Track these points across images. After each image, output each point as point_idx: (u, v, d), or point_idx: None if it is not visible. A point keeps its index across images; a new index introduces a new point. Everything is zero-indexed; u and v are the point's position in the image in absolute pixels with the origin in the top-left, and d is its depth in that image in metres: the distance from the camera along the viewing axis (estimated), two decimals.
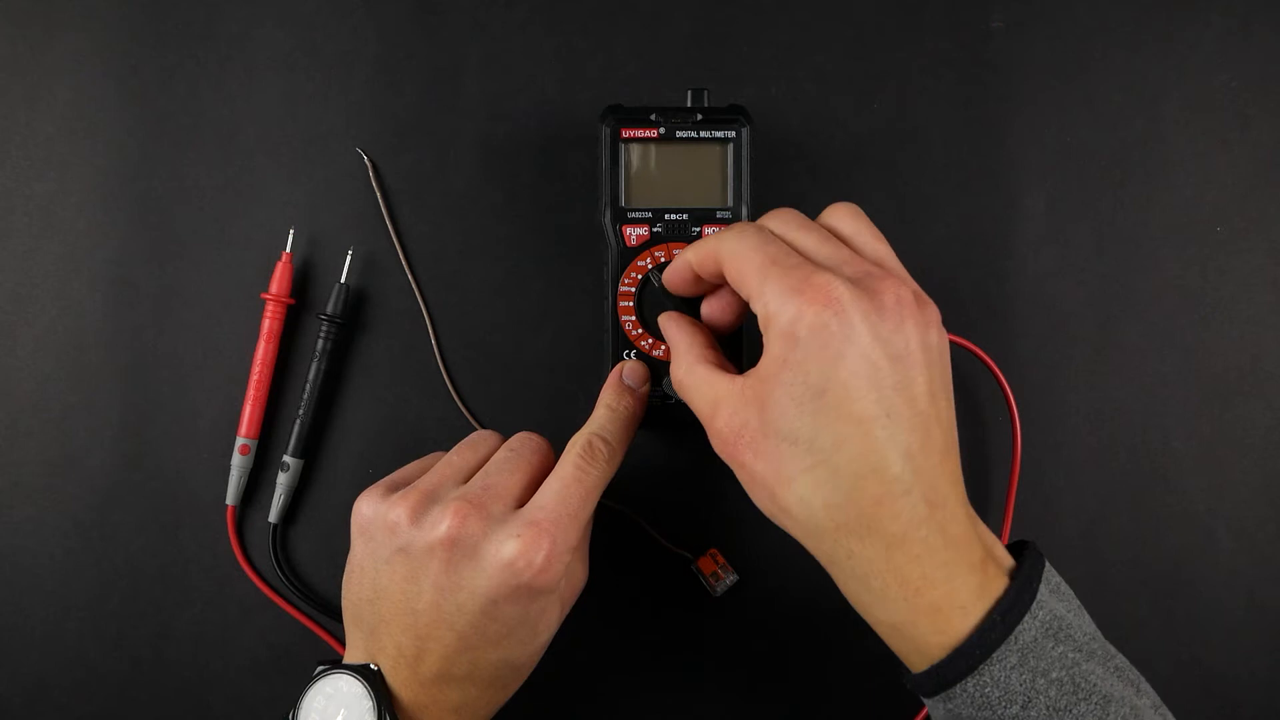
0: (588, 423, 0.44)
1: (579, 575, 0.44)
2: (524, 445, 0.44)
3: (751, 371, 0.38)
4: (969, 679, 0.36)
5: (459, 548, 0.40)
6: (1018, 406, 0.50)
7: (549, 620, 0.42)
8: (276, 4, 0.53)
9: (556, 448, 0.44)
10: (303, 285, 0.52)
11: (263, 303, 0.51)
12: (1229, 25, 0.53)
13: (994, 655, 0.36)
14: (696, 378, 0.41)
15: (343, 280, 0.51)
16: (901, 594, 0.37)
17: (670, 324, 0.44)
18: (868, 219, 0.42)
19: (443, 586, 0.40)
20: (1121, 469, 0.52)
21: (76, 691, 0.51)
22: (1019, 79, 0.53)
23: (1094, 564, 0.52)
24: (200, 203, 0.52)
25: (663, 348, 0.48)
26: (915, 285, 0.39)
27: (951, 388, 0.39)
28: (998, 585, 0.37)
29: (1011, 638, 0.36)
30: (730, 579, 0.51)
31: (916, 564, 0.36)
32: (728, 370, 0.41)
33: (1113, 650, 0.40)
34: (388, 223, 0.52)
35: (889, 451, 0.36)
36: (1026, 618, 0.37)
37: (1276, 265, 0.53)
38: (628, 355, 0.48)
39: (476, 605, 0.40)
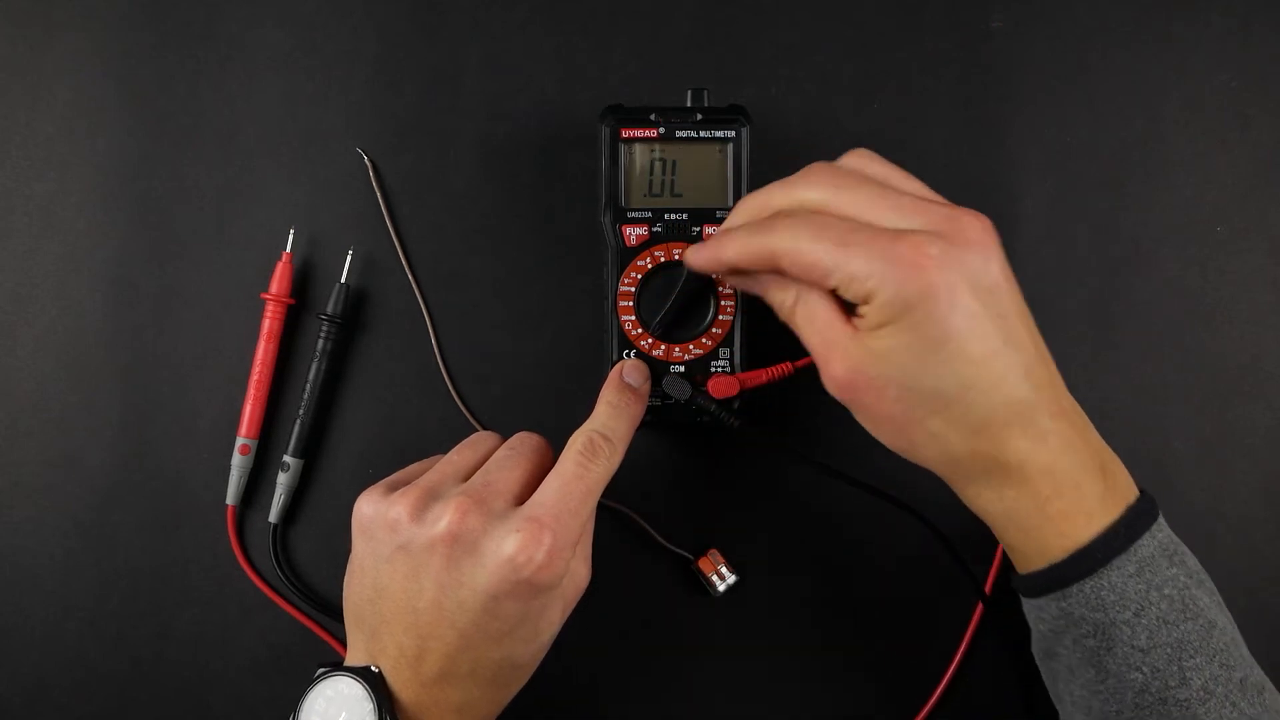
0: (588, 420, 0.44)
1: (581, 575, 0.44)
2: (524, 444, 0.44)
3: (865, 328, 0.38)
4: (1087, 580, 0.39)
5: (460, 544, 0.40)
6: None
7: (551, 618, 0.42)
8: (276, 4, 0.53)
9: (556, 448, 0.44)
10: (303, 285, 0.52)
11: (263, 303, 0.51)
12: (1229, 25, 0.53)
13: (1114, 562, 0.39)
14: (814, 309, 0.40)
15: (343, 280, 0.51)
16: (1033, 503, 0.39)
17: (736, 249, 0.41)
18: (873, 154, 0.42)
19: (444, 583, 0.40)
20: None
21: (76, 691, 0.51)
22: (1019, 79, 0.53)
23: None
24: (200, 203, 0.52)
25: (663, 347, 0.48)
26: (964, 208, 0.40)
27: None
28: (1120, 498, 0.40)
29: (1132, 549, 0.39)
30: (730, 579, 0.51)
31: (1047, 476, 0.38)
32: (838, 309, 0.39)
33: (1215, 589, 0.42)
34: (388, 223, 0.52)
35: (1011, 377, 0.37)
36: (1146, 535, 0.39)
37: (1276, 265, 0.53)
38: (628, 355, 0.48)
39: (478, 602, 0.39)
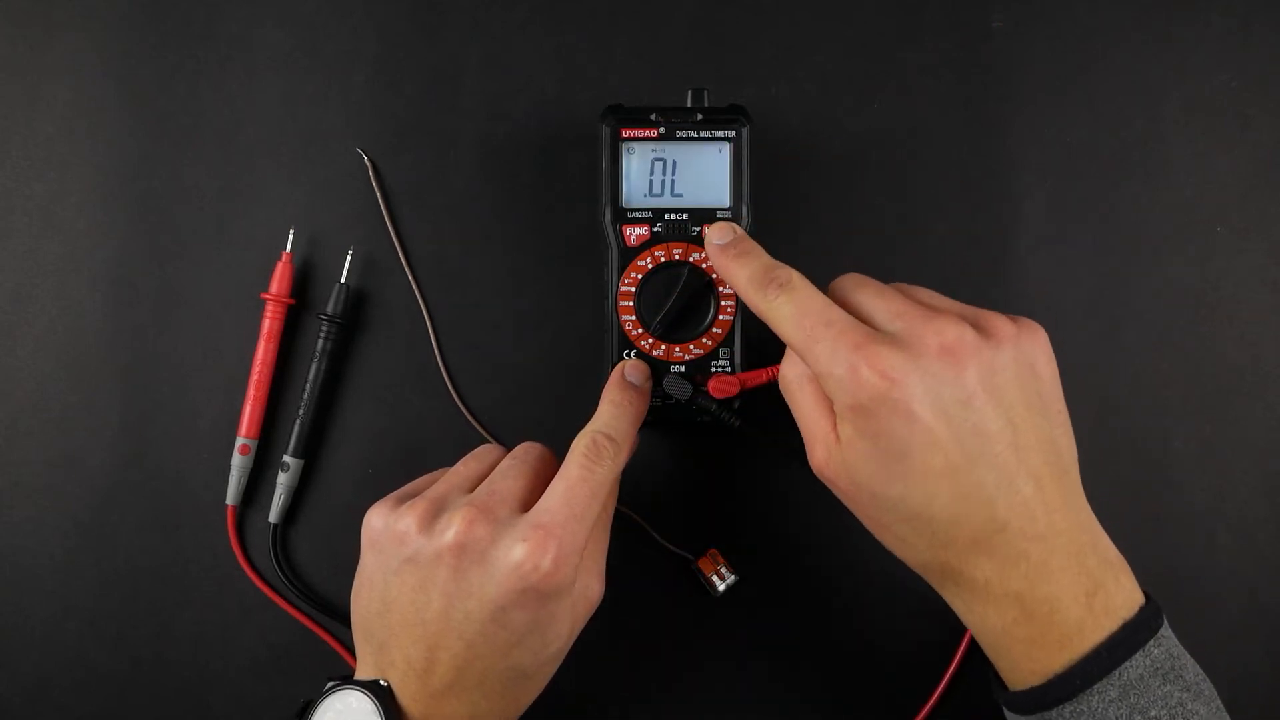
0: (591, 421, 0.43)
1: (594, 590, 0.43)
2: (528, 453, 0.44)
3: (839, 424, 0.39)
4: (1066, 704, 0.37)
5: (467, 553, 0.39)
6: None
7: (559, 629, 0.42)
8: (276, 4, 0.53)
9: (560, 450, 0.43)
10: (303, 285, 0.52)
11: (263, 303, 0.51)
12: (1229, 25, 0.53)
13: (1094, 687, 0.37)
14: (805, 396, 0.41)
15: (343, 280, 0.51)
16: (1001, 625, 0.38)
17: (798, 299, 0.41)
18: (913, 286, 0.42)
19: (451, 594, 0.40)
20: (1121, 469, 0.52)
21: (76, 691, 0.51)
22: (1019, 79, 0.53)
23: None
24: (200, 203, 0.52)
25: (663, 347, 0.48)
26: (979, 312, 0.39)
27: (1050, 398, 0.39)
28: (1110, 617, 0.37)
29: (1115, 673, 0.37)
30: (730, 579, 0.51)
31: (1014, 600, 0.37)
32: (827, 407, 0.40)
33: (1215, 694, 0.40)
34: (388, 223, 0.52)
35: (977, 497, 0.36)
36: (1138, 654, 0.37)
37: (1276, 265, 0.53)
38: (628, 355, 0.48)
39: (485, 612, 0.39)
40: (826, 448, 0.39)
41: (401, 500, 0.42)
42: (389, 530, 0.41)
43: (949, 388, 0.36)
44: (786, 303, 0.40)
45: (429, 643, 0.40)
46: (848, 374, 0.37)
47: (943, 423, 0.36)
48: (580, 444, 0.42)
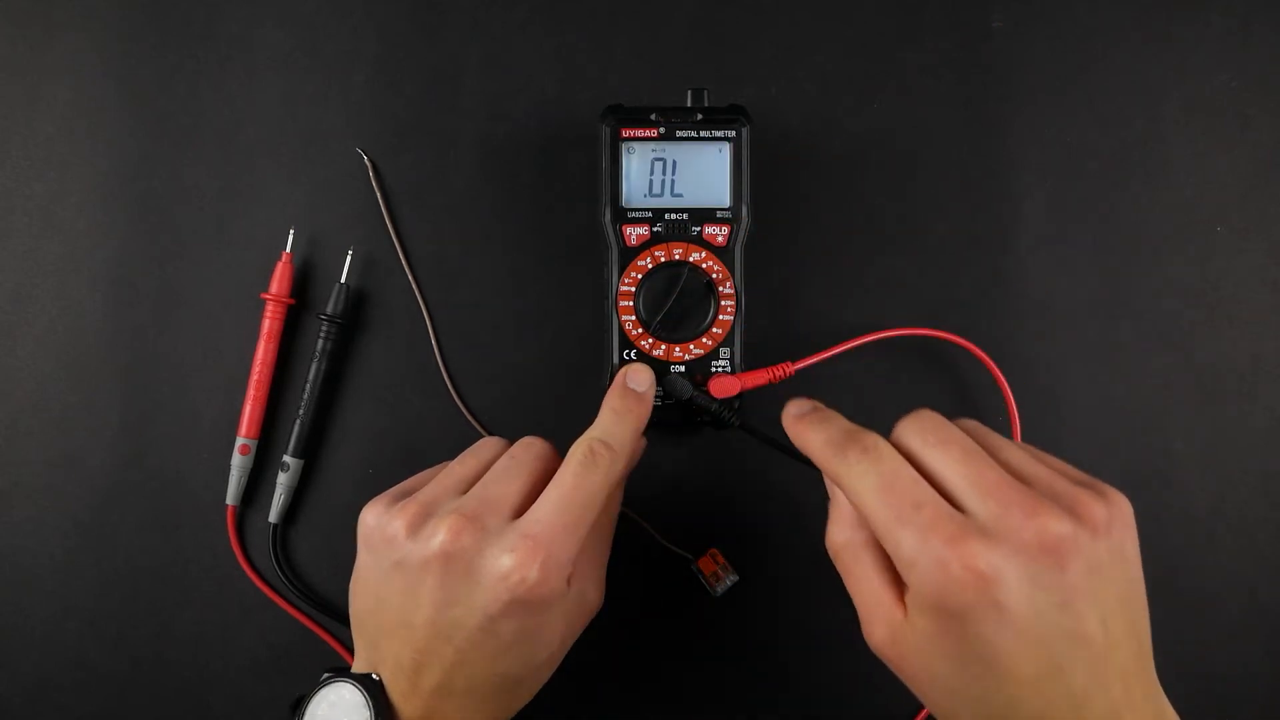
0: (590, 427, 0.43)
1: (591, 597, 0.43)
2: (526, 452, 0.43)
3: (910, 609, 0.36)
4: None
5: (453, 563, 0.39)
6: (1018, 406, 0.50)
7: (550, 637, 0.41)
8: (276, 4, 0.53)
9: (562, 449, 0.43)
10: (303, 285, 0.52)
11: (263, 303, 0.51)
12: (1229, 25, 0.53)
13: None
14: (860, 566, 0.38)
15: (343, 280, 0.51)
16: None
17: (826, 452, 0.39)
18: (984, 426, 0.39)
19: (439, 602, 0.39)
20: (1121, 469, 0.52)
21: (76, 691, 0.51)
22: (1019, 79, 0.53)
23: None
24: (200, 203, 0.52)
25: (663, 347, 0.48)
26: (1066, 487, 0.36)
27: (1138, 585, 0.36)
28: None
29: None
30: (730, 579, 0.51)
31: None
32: (895, 578, 0.37)
33: None
34: (388, 223, 0.52)
35: (1067, 699, 0.34)
36: None
37: (1276, 265, 0.53)
38: (628, 355, 0.48)
39: (473, 621, 0.39)
40: (891, 628, 0.36)
41: (397, 498, 0.42)
42: (380, 531, 0.41)
43: (1047, 592, 0.33)
44: (870, 471, 0.36)
45: (417, 646, 0.40)
46: (936, 569, 0.33)
47: (1038, 628, 0.33)
48: (577, 451, 0.41)
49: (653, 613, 0.52)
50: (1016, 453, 0.38)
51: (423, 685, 0.40)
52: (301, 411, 0.51)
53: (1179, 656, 0.52)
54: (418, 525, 0.40)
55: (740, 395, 0.48)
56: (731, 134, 0.48)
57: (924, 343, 0.52)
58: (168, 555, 0.52)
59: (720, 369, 0.48)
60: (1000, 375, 0.50)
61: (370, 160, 0.52)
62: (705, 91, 0.49)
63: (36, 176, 0.52)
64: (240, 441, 0.51)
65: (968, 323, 0.52)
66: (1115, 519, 0.35)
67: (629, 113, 0.48)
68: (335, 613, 0.51)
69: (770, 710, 0.51)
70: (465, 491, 0.42)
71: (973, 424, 0.40)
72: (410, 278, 0.52)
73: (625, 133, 0.48)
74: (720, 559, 0.51)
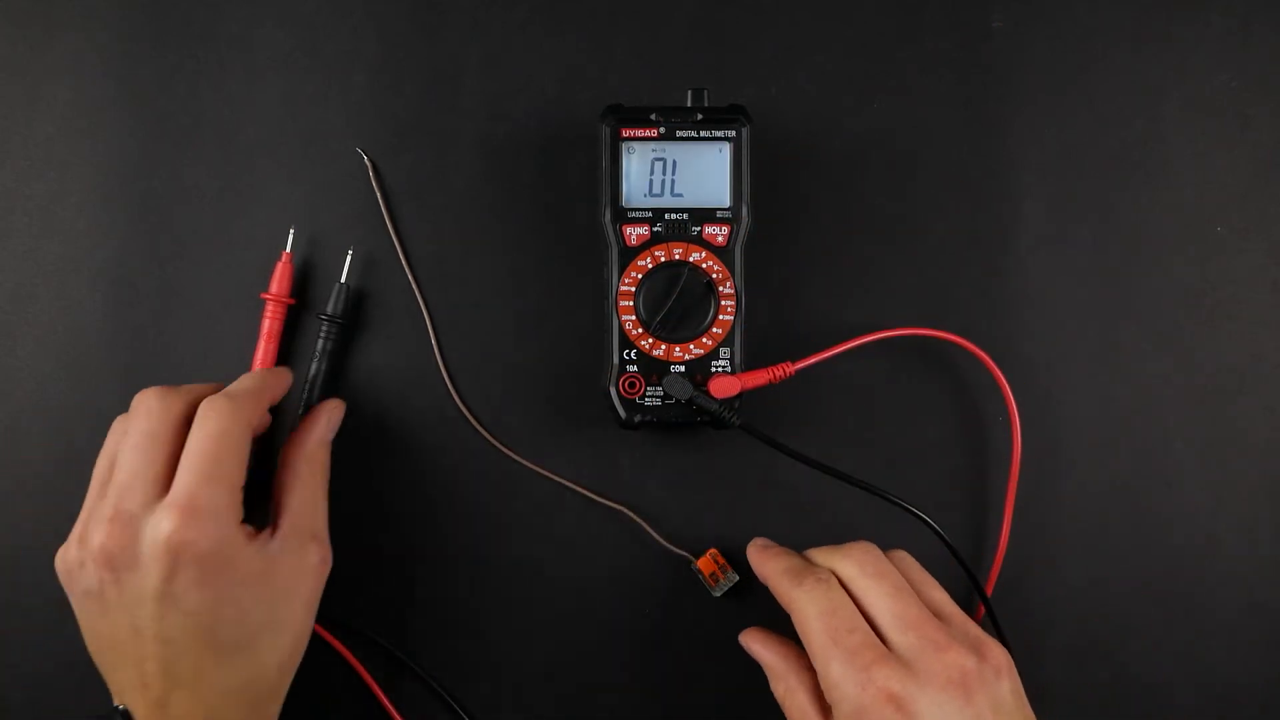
0: None
1: (312, 554, 0.44)
2: (143, 422, 0.43)
3: None
4: None
5: (117, 562, 0.40)
6: (1018, 406, 0.50)
7: (257, 597, 0.42)
8: (276, 4, 0.53)
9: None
10: (303, 285, 0.52)
11: (263, 303, 0.51)
12: (1229, 25, 0.53)
13: None
14: (797, 704, 0.43)
15: (343, 280, 0.51)
16: None
17: (759, 646, 0.46)
18: (913, 561, 0.46)
19: (125, 603, 0.40)
20: (1121, 469, 0.52)
21: (76, 691, 0.51)
22: (1019, 79, 0.53)
23: (1094, 564, 0.52)
24: (200, 203, 0.52)
25: (663, 347, 0.48)
26: (976, 633, 0.42)
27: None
28: None
29: None
30: (730, 579, 0.51)
31: None
32: (823, 706, 0.42)
33: None
34: (388, 223, 0.52)
35: None
36: None
37: (1276, 265, 0.53)
38: (628, 355, 0.48)
39: (149, 596, 0.40)
40: None
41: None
42: (62, 571, 0.42)
43: (957, 716, 0.38)
44: (821, 596, 0.42)
45: (133, 659, 0.40)
46: (857, 689, 0.39)
47: None
48: (200, 408, 0.43)
49: (652, 613, 0.52)
50: (938, 592, 0.44)
51: (155, 695, 0.40)
52: (300, 411, 0.51)
53: (1179, 656, 0.52)
54: (80, 547, 0.41)
55: (740, 395, 0.48)
56: (731, 134, 0.48)
57: (924, 343, 0.52)
58: None
59: (720, 369, 0.48)
60: (1000, 375, 0.50)
61: (370, 160, 0.52)
62: (705, 91, 0.49)
63: (36, 176, 0.52)
64: None
65: (968, 323, 0.52)
66: (1010, 665, 0.41)
67: (629, 113, 0.48)
68: (332, 614, 0.51)
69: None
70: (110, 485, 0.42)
71: (902, 555, 0.46)
72: (410, 278, 0.52)
73: (625, 133, 0.48)
74: (720, 559, 0.51)
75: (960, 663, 0.39)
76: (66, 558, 0.42)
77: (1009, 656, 0.41)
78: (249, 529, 0.43)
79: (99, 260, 0.52)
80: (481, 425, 0.52)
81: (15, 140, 0.52)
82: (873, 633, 0.41)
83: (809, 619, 0.41)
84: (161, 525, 0.40)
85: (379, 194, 0.52)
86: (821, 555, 0.45)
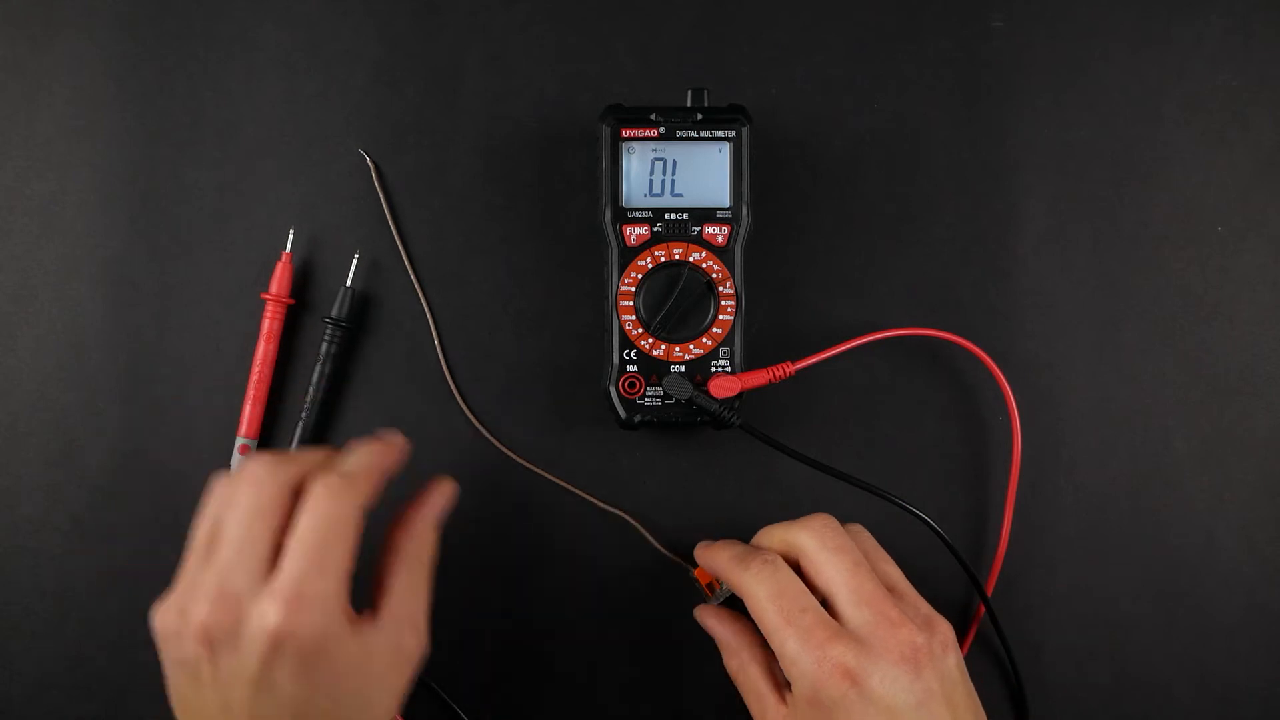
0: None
1: (409, 643, 0.42)
2: (255, 494, 0.40)
3: (792, 705, 0.42)
4: None
5: (216, 642, 0.39)
6: (1018, 406, 0.50)
7: (353, 688, 0.40)
8: (276, 4, 0.53)
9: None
10: (302, 285, 0.52)
11: (263, 303, 0.51)
12: (1229, 25, 0.53)
13: None
14: (749, 678, 0.45)
15: (348, 284, 0.51)
16: None
17: (710, 620, 0.47)
18: (869, 535, 0.47)
19: (219, 683, 0.39)
20: (1121, 469, 0.52)
21: (76, 691, 0.51)
22: (1019, 79, 0.53)
23: (1094, 564, 0.52)
24: (200, 203, 0.52)
25: (663, 347, 0.48)
26: (926, 609, 0.43)
27: (976, 701, 0.43)
28: None
29: None
30: (727, 589, 0.50)
31: None
32: (776, 681, 0.44)
33: None
34: (390, 224, 0.52)
35: None
36: None
37: (1276, 265, 0.53)
38: (628, 355, 0.48)
39: (251, 691, 0.38)
40: None
41: (170, 596, 0.41)
42: (159, 632, 0.41)
43: (906, 692, 0.40)
44: (769, 578, 0.42)
45: None
46: (814, 665, 0.40)
47: None
48: (313, 487, 0.40)
49: (652, 616, 0.52)
50: (891, 567, 0.45)
51: None
52: (304, 414, 0.51)
53: (1179, 656, 0.52)
54: (181, 618, 0.40)
55: (740, 395, 0.48)
56: (731, 134, 0.48)
57: (924, 343, 0.52)
58: (168, 555, 0.51)
59: (720, 369, 0.48)
60: (1000, 375, 0.50)
61: (372, 161, 0.52)
62: (705, 91, 0.49)
63: (36, 176, 0.52)
64: (240, 442, 0.51)
65: (968, 323, 0.52)
66: (955, 640, 0.42)
67: (629, 113, 0.48)
68: None
69: None
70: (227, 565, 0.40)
71: (858, 529, 0.47)
72: (413, 278, 0.52)
73: (625, 133, 0.48)
74: None
75: (912, 639, 0.40)
76: (165, 622, 0.40)
77: (953, 632, 0.43)
78: (351, 613, 0.40)
79: (99, 260, 0.52)
80: (481, 424, 0.52)
81: (15, 140, 0.52)
82: (823, 610, 0.42)
83: (760, 600, 0.42)
84: (268, 615, 0.38)
85: (381, 195, 0.52)
86: (780, 529, 0.45)
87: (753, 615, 0.43)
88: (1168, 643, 0.52)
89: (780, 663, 0.42)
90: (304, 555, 0.39)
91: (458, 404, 0.52)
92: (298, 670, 0.39)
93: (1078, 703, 0.52)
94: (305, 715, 0.39)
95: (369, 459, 0.43)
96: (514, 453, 0.51)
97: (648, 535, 0.51)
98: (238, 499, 0.40)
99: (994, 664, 0.52)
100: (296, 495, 0.41)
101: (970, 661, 0.51)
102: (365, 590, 0.42)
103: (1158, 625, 0.52)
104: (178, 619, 0.40)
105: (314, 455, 0.43)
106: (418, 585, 0.43)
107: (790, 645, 0.41)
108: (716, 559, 0.46)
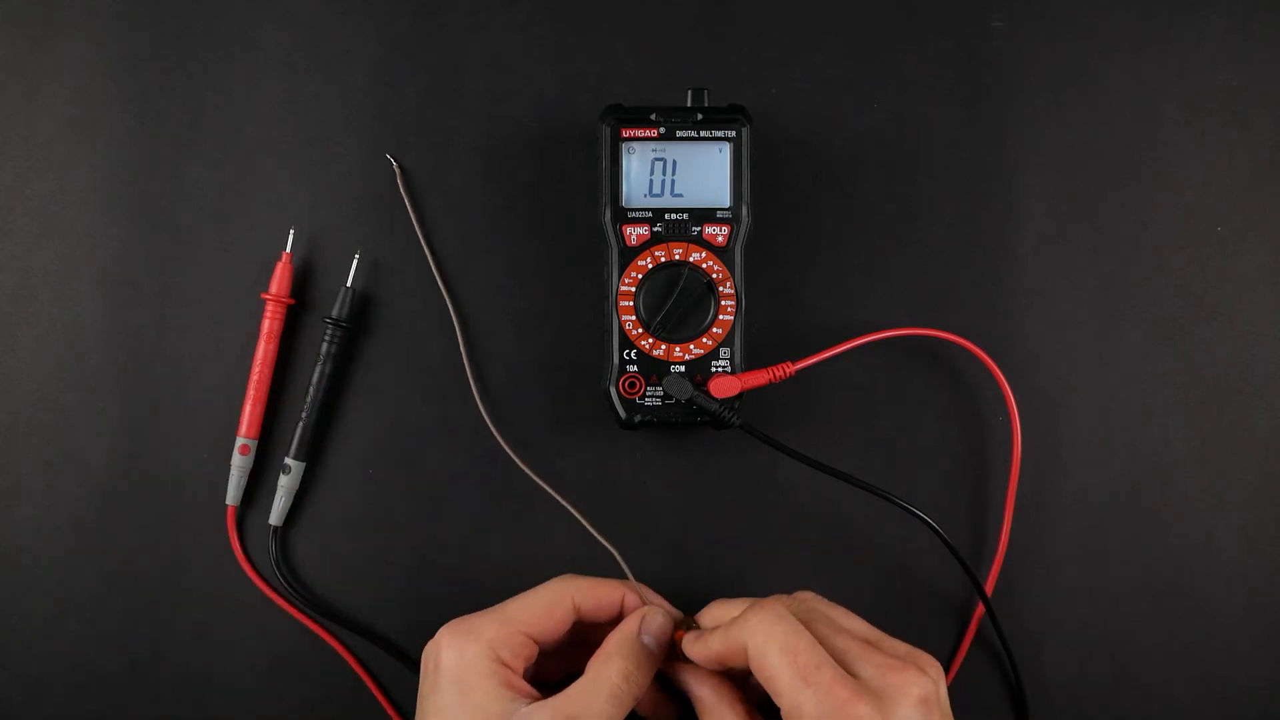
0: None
1: None
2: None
3: None
4: None
5: None
6: (1018, 406, 0.50)
7: None
8: (276, 4, 0.53)
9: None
10: (302, 285, 0.52)
11: (263, 303, 0.51)
12: (1229, 25, 0.53)
13: None
14: (728, 713, 0.43)
15: (348, 284, 0.51)
16: None
17: (692, 681, 0.45)
18: (819, 598, 0.46)
19: None
20: (1121, 469, 0.52)
21: (76, 691, 0.51)
22: (1019, 79, 0.53)
23: (1094, 564, 0.52)
24: (200, 203, 0.52)
25: (663, 347, 0.48)
26: (906, 647, 0.42)
27: None
28: None
29: None
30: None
31: None
32: None
33: None
34: (415, 224, 0.52)
35: None
36: None
37: (1276, 265, 0.53)
38: (628, 355, 0.48)
39: None
40: None
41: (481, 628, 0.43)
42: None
43: None
44: (782, 632, 0.40)
45: None
46: None
47: None
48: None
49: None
50: (857, 622, 0.44)
51: None
52: (305, 414, 0.51)
53: (1179, 656, 0.52)
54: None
55: (740, 395, 0.48)
56: (731, 134, 0.48)
57: (924, 343, 0.52)
58: (168, 555, 0.52)
59: (720, 369, 0.48)
60: (1000, 375, 0.50)
61: (399, 165, 0.52)
62: (705, 91, 0.49)
63: (36, 176, 0.52)
64: (240, 442, 0.51)
65: (968, 323, 0.52)
66: (943, 673, 0.42)
67: (629, 113, 0.48)
68: (335, 616, 0.51)
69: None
70: None
71: (806, 596, 0.45)
72: (436, 275, 0.52)
73: (625, 133, 0.48)
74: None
75: (922, 684, 0.40)
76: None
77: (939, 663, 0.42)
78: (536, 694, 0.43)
79: (99, 260, 0.52)
80: (497, 432, 0.51)
81: (15, 140, 0.52)
82: (838, 665, 0.40)
83: (770, 659, 0.40)
84: None
85: (407, 200, 0.52)
86: (733, 630, 0.42)
87: (759, 673, 0.41)
88: (1168, 643, 0.52)
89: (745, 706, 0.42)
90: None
91: (458, 404, 0.52)
92: None
93: (1078, 703, 0.52)
94: None
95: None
96: (514, 455, 0.51)
97: (635, 583, 0.48)
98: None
99: (994, 664, 0.52)
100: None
101: (970, 661, 0.51)
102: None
103: (1158, 625, 0.52)
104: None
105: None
106: (596, 700, 0.43)
107: (809, 707, 0.39)
108: (718, 615, 0.45)
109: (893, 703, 0.39)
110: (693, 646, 0.43)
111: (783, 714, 0.40)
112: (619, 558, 0.48)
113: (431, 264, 0.52)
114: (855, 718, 0.38)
